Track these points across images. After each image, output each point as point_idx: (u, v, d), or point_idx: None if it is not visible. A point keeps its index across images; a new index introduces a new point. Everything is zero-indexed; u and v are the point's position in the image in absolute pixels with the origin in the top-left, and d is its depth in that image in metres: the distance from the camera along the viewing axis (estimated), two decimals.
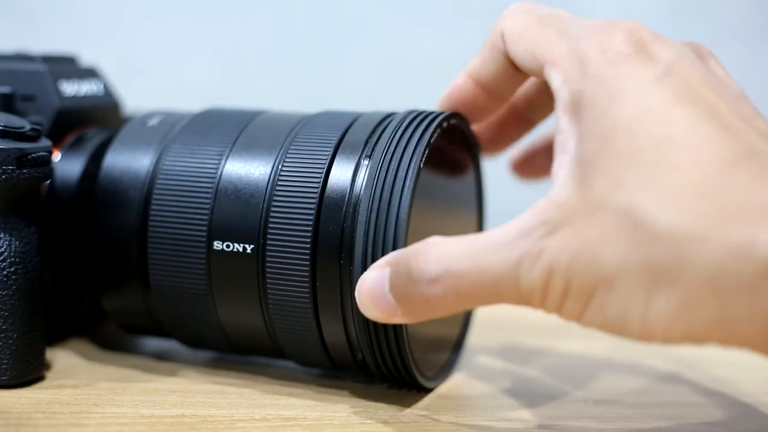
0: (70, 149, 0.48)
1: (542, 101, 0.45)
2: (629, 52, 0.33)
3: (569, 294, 0.32)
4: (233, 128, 0.44)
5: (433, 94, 0.47)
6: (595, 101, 0.33)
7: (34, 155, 0.42)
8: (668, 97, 0.32)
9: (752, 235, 0.28)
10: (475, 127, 0.46)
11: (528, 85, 0.45)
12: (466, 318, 0.48)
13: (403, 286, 0.35)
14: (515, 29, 0.39)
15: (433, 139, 0.40)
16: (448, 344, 0.46)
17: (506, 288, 0.33)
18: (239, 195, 0.42)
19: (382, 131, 0.41)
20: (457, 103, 0.44)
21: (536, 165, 0.49)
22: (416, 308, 0.35)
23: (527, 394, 0.44)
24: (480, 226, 0.49)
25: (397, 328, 0.39)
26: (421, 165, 0.39)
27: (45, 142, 0.44)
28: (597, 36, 0.35)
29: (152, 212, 0.43)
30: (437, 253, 0.34)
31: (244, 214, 0.41)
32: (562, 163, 0.34)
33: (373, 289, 0.36)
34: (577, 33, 0.36)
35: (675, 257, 0.30)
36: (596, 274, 0.31)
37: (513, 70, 0.40)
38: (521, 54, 0.38)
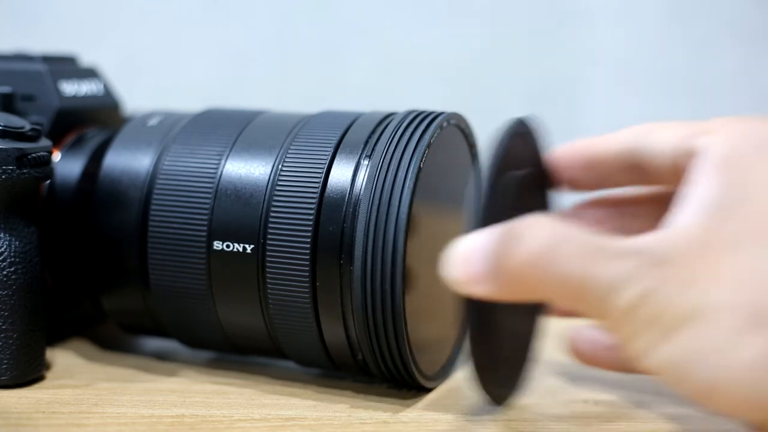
0: (70, 149, 0.48)
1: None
2: None
3: (656, 323, 0.31)
4: (233, 128, 0.44)
5: (433, 94, 0.47)
6: (750, 161, 0.34)
7: (34, 155, 0.42)
8: None
9: None
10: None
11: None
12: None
13: (504, 247, 0.33)
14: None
15: (433, 139, 0.40)
16: (448, 344, 0.46)
17: (596, 293, 0.32)
18: (239, 195, 0.42)
19: (382, 131, 0.42)
20: (565, 161, 0.43)
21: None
22: (504, 277, 0.34)
23: (527, 394, 0.44)
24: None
25: (397, 328, 0.39)
26: (421, 165, 0.39)
27: (45, 142, 0.44)
28: (762, 120, 0.36)
29: (152, 212, 0.43)
30: (550, 230, 0.33)
31: (244, 214, 0.41)
32: (686, 208, 0.34)
33: (473, 249, 0.34)
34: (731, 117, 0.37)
35: None
36: (697, 306, 0.31)
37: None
38: (662, 137, 0.39)
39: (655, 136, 0.40)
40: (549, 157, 0.43)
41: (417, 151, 0.40)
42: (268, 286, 0.41)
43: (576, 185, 0.45)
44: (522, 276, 0.33)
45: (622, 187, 0.44)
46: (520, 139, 0.41)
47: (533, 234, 0.33)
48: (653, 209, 0.45)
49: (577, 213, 0.46)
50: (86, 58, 0.54)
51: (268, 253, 0.41)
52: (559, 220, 0.34)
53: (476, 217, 0.36)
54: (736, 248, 0.32)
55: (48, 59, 0.50)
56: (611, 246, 0.32)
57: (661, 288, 0.31)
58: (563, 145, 0.43)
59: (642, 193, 0.46)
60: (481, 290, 0.34)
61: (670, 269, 0.32)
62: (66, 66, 0.51)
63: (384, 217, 0.39)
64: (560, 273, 0.32)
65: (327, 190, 0.40)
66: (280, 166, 0.42)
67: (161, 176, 0.44)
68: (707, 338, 0.31)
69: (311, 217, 0.40)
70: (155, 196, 0.44)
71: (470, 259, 0.35)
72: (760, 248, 0.32)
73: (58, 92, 0.48)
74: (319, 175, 0.41)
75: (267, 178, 0.42)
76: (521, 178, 0.41)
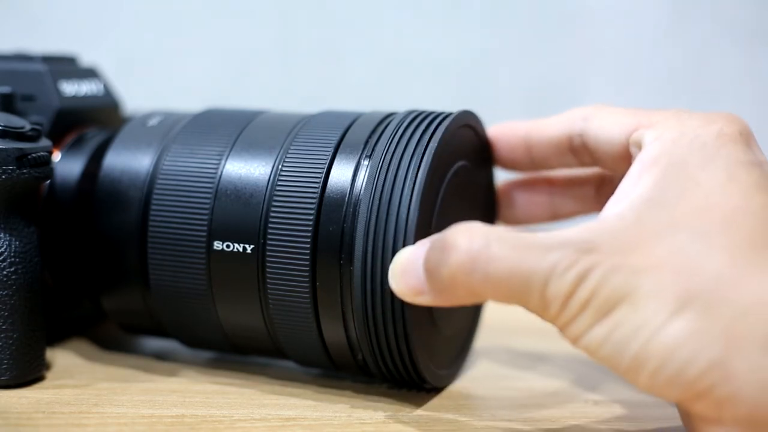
0: (70, 149, 0.48)
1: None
2: (737, 138, 0.37)
3: (590, 305, 0.33)
4: (233, 128, 0.44)
5: (433, 94, 0.47)
6: (686, 160, 0.36)
7: (34, 155, 0.42)
8: (754, 182, 0.35)
9: None
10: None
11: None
12: (474, 321, 0.47)
13: (436, 258, 0.35)
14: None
15: (436, 140, 0.40)
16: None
17: (533, 286, 0.33)
18: (239, 195, 0.42)
19: (382, 131, 0.42)
20: (503, 141, 0.46)
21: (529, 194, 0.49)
22: (442, 286, 0.35)
23: (527, 394, 0.44)
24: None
25: (397, 328, 0.39)
26: (422, 165, 0.39)
27: (45, 142, 0.44)
28: (704, 118, 0.38)
29: (152, 212, 0.43)
30: (480, 233, 0.35)
31: (244, 214, 0.41)
32: (619, 201, 0.36)
33: (408, 262, 0.37)
34: (676, 113, 0.39)
35: (711, 290, 0.32)
36: (628, 290, 0.32)
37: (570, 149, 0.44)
38: (607, 124, 0.41)
39: (600, 123, 0.42)
40: (488, 136, 0.46)
41: (417, 151, 0.40)
42: (268, 286, 0.41)
43: (513, 166, 0.47)
44: (459, 282, 0.35)
45: (558, 168, 0.47)
46: (464, 131, 0.43)
47: (463, 240, 0.35)
48: (585, 191, 0.48)
49: (509, 195, 0.49)
50: (86, 58, 0.54)
51: (268, 253, 0.41)
52: (486, 225, 0.36)
53: (409, 223, 0.38)
54: (666, 237, 0.33)
55: (48, 59, 0.50)
56: (541, 240, 0.34)
57: (592, 273, 0.33)
58: (500, 125, 0.46)
59: (575, 175, 0.49)
60: (422, 300, 0.36)
61: (599, 256, 0.33)
62: (66, 66, 0.51)
63: (384, 217, 0.39)
64: (497, 272, 0.34)
65: (327, 190, 0.40)
66: (280, 166, 0.42)
67: (161, 176, 0.44)
68: (637, 319, 0.32)
69: (311, 217, 0.40)
70: (155, 196, 0.44)
71: (408, 271, 0.37)
72: (689, 237, 0.33)
73: (58, 92, 0.48)
74: (319, 175, 0.41)
75: (267, 178, 0.42)
76: (466, 167, 0.44)
